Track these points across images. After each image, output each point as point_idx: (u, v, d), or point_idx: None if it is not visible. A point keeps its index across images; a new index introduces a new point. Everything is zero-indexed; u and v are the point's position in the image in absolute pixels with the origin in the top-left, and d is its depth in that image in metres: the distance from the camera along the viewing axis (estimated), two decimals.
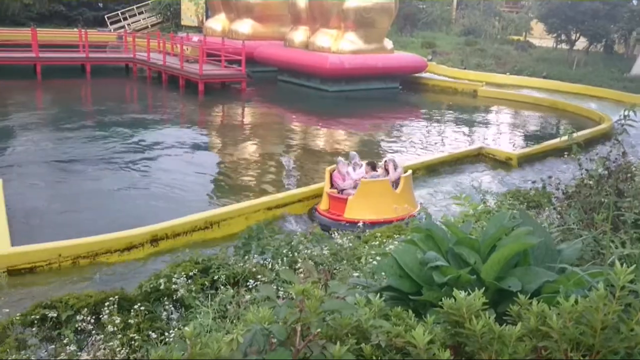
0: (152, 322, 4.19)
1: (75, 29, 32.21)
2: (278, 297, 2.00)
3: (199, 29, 35.69)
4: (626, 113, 3.88)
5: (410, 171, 10.66)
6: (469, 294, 1.92)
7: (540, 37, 38.30)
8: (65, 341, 3.93)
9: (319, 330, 1.77)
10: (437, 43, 36.65)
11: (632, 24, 31.67)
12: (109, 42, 32.41)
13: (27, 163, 13.11)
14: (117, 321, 3.95)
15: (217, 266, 5.02)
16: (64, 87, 24.51)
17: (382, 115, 21.43)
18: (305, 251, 5.50)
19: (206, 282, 4.81)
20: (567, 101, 23.67)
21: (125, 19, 41.35)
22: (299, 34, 26.49)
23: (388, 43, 26.31)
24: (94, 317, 4.08)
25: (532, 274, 2.30)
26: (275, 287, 4.19)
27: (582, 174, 4.24)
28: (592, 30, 31.58)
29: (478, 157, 15.01)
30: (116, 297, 4.29)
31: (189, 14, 38.60)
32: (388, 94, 25.80)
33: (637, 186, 3.77)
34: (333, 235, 6.40)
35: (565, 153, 5.89)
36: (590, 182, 4.02)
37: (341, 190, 10.40)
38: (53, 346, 3.93)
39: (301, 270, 4.06)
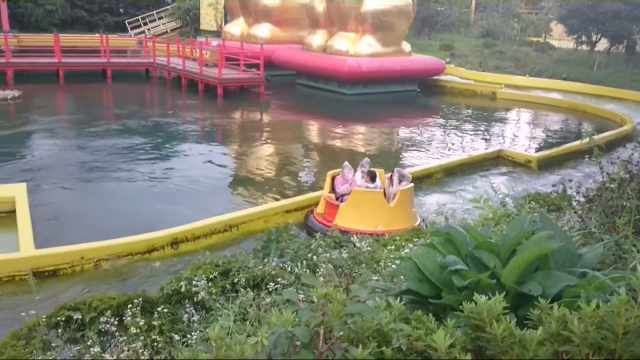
0: (173, 324, 4.24)
1: (97, 35, 32.75)
2: (299, 300, 2.03)
3: (217, 33, 36.01)
4: None
5: (411, 184, 10.06)
6: (489, 298, 1.93)
7: (560, 39, 37.87)
8: (89, 342, 3.99)
9: (341, 333, 1.79)
10: (455, 45, 36.46)
11: None
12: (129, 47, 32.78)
13: (52, 166, 13.33)
14: (141, 323, 4.01)
15: (237, 269, 5.06)
16: (85, 91, 24.88)
17: (401, 118, 21.41)
18: (325, 254, 5.52)
19: (227, 285, 4.85)
20: (588, 103, 23.41)
21: (145, 24, 41.96)
22: (317, 38, 26.58)
23: (406, 46, 26.25)
24: (117, 319, 4.15)
25: (552, 278, 2.29)
26: (294, 289, 4.21)
27: (603, 177, 4.21)
28: (614, 31, 31.14)
29: (497, 160, 14.93)
30: (139, 299, 4.36)
31: (207, 19, 38.92)
32: (406, 97, 25.75)
33: None
34: (351, 238, 6.42)
35: (586, 156, 5.84)
36: (612, 186, 3.99)
37: (341, 196, 10.07)
38: (77, 347, 4.00)
39: (322, 273, 4.09)
